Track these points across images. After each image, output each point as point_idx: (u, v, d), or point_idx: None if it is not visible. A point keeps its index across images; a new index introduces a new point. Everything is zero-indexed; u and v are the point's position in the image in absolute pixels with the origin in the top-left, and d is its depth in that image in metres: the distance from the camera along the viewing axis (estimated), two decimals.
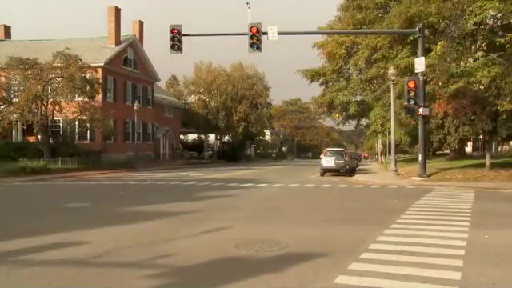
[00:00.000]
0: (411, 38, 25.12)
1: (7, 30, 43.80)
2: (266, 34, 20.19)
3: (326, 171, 27.07)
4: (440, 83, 20.81)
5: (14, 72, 29.88)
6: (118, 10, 38.71)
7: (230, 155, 59.07)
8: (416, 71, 21.03)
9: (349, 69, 38.89)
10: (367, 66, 35.01)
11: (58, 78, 29.95)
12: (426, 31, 23.71)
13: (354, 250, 6.38)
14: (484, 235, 7.57)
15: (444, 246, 6.62)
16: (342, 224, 9.01)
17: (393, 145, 25.07)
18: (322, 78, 39.98)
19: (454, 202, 12.53)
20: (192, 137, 64.11)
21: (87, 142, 34.55)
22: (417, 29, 21.74)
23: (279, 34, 20.50)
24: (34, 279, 5.20)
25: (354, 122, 44.93)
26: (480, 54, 21.52)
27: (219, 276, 5.28)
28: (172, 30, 20.50)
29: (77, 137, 34.38)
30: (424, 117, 21.21)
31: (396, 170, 24.31)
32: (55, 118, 32.10)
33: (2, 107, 30.41)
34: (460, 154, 32.15)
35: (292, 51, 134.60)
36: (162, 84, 56.66)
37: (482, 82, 18.24)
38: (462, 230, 7.98)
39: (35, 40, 39.44)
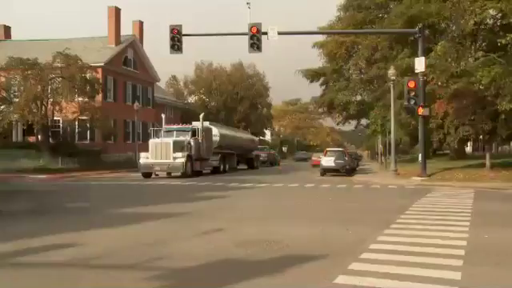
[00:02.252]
0: (411, 38, 25.15)
1: (7, 29, 43.74)
2: (266, 34, 20.19)
3: (326, 171, 27.05)
4: (439, 83, 20.81)
5: (14, 72, 29.86)
6: (117, 10, 38.69)
7: None
8: (416, 71, 21.04)
9: (349, 69, 38.95)
10: (367, 66, 35.05)
11: (58, 78, 29.94)
12: (426, 31, 23.72)
13: (354, 250, 6.38)
14: (484, 235, 7.57)
15: (444, 246, 6.62)
16: (342, 224, 8.99)
17: (393, 145, 25.05)
18: (322, 78, 40.03)
19: (454, 201, 12.52)
20: None
21: (87, 141, 34.52)
22: (417, 29, 21.74)
23: (279, 34, 20.51)
24: (33, 280, 5.20)
25: (353, 122, 45.03)
26: (480, 54, 21.54)
27: (220, 276, 5.28)
28: (172, 30, 20.51)
29: (77, 137, 34.33)
30: (424, 117, 21.21)
31: (396, 170, 24.29)
32: (55, 118, 32.08)
33: (2, 107, 30.38)
34: (460, 153, 32.16)
35: (292, 51, 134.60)
36: (162, 84, 56.67)
37: (482, 82, 18.23)
38: (462, 229, 7.97)
39: (35, 40, 39.38)
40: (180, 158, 23.60)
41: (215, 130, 29.09)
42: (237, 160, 34.09)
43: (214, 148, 28.17)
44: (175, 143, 23.98)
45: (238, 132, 38.84)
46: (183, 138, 24.91)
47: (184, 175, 23.70)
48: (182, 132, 25.77)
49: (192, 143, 24.94)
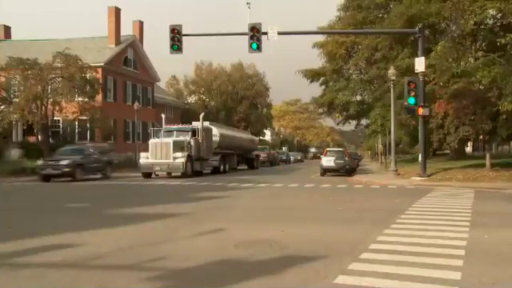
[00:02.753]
0: (411, 38, 25.15)
1: (7, 29, 43.75)
2: (266, 34, 20.19)
3: (326, 171, 27.05)
4: (441, 83, 20.80)
5: (14, 72, 29.88)
6: (117, 10, 38.70)
7: None
8: (416, 71, 21.04)
9: (349, 69, 38.91)
10: (367, 66, 35.03)
11: (58, 78, 29.96)
12: (426, 31, 23.71)
13: (353, 250, 6.37)
14: (484, 235, 7.56)
15: (444, 246, 6.61)
16: (342, 224, 9.00)
17: (393, 145, 25.06)
18: (322, 78, 39.97)
19: (454, 201, 12.52)
20: None
21: (87, 142, 34.54)
22: (417, 29, 21.75)
23: (279, 33, 20.51)
24: (32, 280, 5.19)
25: (353, 122, 44.96)
26: (480, 54, 21.54)
27: (219, 277, 5.27)
28: (172, 30, 20.52)
29: (77, 137, 34.37)
30: (424, 117, 21.21)
31: (396, 170, 24.29)
32: (55, 118, 32.10)
33: (2, 107, 30.39)
34: (460, 154, 32.15)
35: (292, 51, 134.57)
36: (162, 84, 56.68)
37: (483, 82, 18.23)
38: (462, 229, 7.97)
39: (35, 40, 39.41)
40: (180, 158, 23.64)
41: (215, 130, 29.13)
42: (237, 160, 34.11)
43: (214, 148, 28.20)
44: (175, 143, 24.02)
45: (238, 132, 38.83)
46: (183, 138, 24.94)
47: (184, 175, 23.72)
48: (182, 132, 25.81)
49: (192, 143, 24.98)
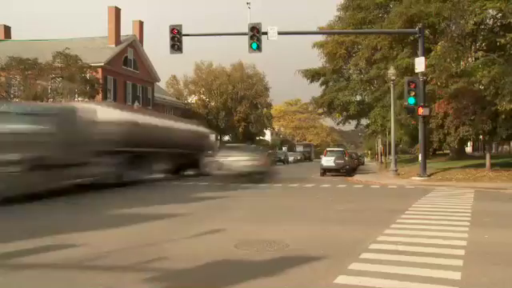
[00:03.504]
0: (411, 38, 25.15)
1: (7, 29, 43.77)
2: (266, 34, 20.20)
3: (326, 171, 27.06)
4: (439, 83, 20.82)
5: (14, 72, 29.87)
6: (118, 10, 38.71)
7: None
8: (416, 71, 21.06)
9: (349, 69, 38.91)
10: (367, 66, 35.03)
11: (58, 78, 29.96)
12: (426, 31, 23.72)
13: (354, 250, 6.38)
14: (484, 235, 7.57)
15: (444, 246, 6.62)
16: (342, 224, 9.00)
17: (393, 145, 25.06)
18: (322, 78, 39.97)
19: (454, 201, 12.52)
20: None
21: None
22: (417, 29, 21.75)
23: (279, 33, 20.51)
24: (32, 281, 5.19)
25: (354, 122, 44.94)
26: (480, 53, 21.57)
27: (219, 277, 5.27)
28: (172, 30, 20.52)
29: None
30: (424, 117, 21.22)
31: (396, 170, 24.31)
32: None
33: None
34: (460, 153, 32.16)
35: (292, 51, 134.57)
36: (162, 84, 56.65)
37: (482, 82, 18.24)
38: (462, 229, 7.97)
39: (35, 40, 39.39)
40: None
41: (106, 113, 17.19)
42: (179, 162, 24.39)
43: (109, 144, 16.86)
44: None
45: (169, 121, 24.90)
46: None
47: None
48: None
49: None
